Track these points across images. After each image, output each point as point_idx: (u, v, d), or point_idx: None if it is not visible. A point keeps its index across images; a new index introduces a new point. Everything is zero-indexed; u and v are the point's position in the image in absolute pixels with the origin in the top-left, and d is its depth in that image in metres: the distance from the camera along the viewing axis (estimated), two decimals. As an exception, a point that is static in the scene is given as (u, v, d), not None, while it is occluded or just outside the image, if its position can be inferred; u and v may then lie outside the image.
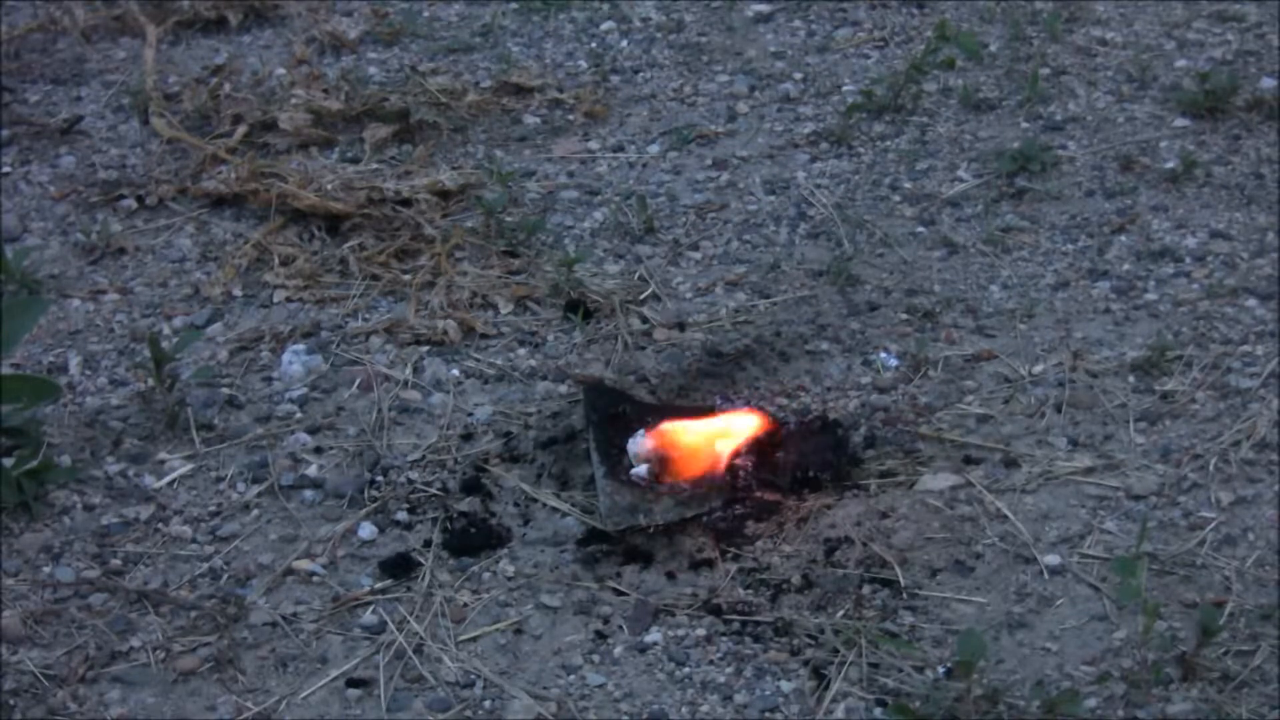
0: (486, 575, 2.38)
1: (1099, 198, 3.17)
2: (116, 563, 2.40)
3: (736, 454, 2.48)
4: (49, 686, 2.20)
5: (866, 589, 2.33)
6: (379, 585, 2.36)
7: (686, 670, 2.22)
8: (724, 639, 2.26)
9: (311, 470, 2.57)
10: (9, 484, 2.46)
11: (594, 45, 3.75)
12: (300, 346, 2.82)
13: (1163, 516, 2.44)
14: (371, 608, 2.33)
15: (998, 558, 2.38)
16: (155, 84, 3.57)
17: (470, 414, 2.68)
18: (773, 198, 3.21)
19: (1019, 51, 3.65)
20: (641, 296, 2.93)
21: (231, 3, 3.88)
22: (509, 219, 3.11)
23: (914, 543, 2.40)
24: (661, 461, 2.45)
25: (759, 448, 2.50)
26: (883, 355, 2.78)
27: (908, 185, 3.23)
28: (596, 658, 2.25)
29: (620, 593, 2.34)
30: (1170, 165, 3.24)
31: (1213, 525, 2.42)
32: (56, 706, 2.17)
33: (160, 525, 2.48)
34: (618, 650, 2.26)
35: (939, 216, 3.13)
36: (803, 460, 2.51)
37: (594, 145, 3.40)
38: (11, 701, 2.18)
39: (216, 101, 3.49)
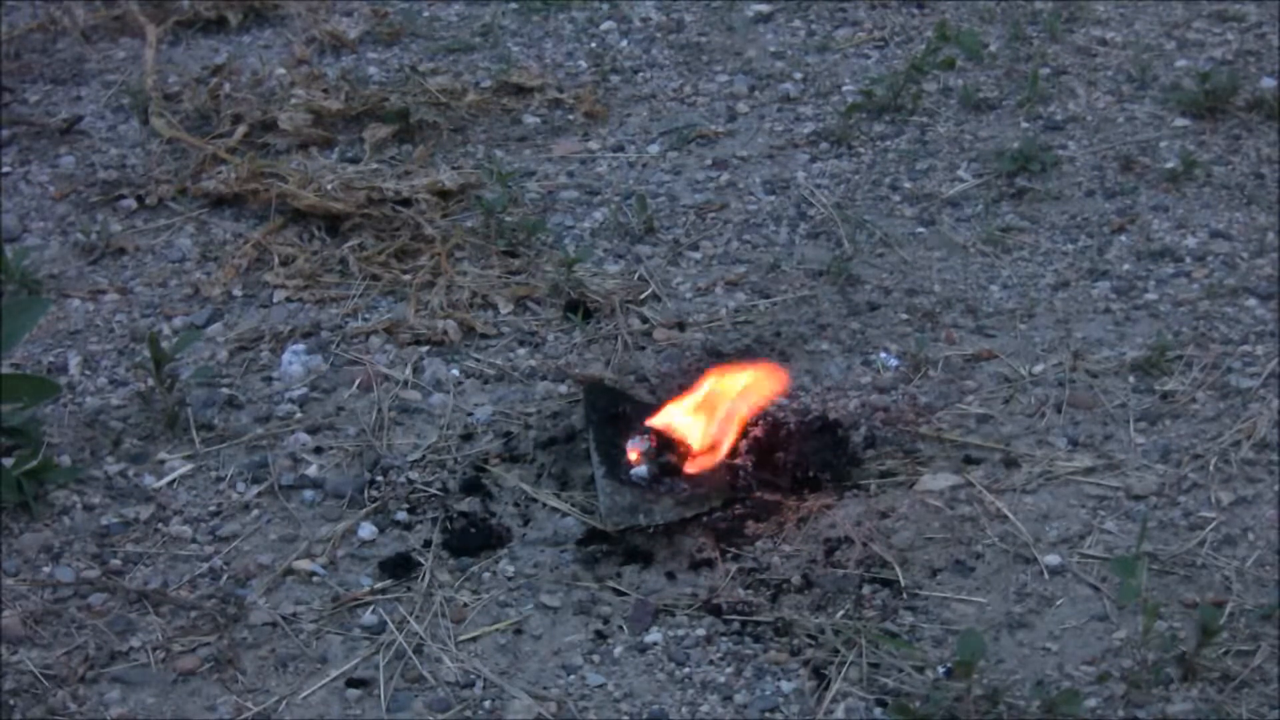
0: (486, 575, 2.38)
1: (1099, 198, 3.17)
2: (116, 563, 2.40)
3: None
4: (49, 686, 2.20)
5: (866, 589, 2.33)
6: (379, 585, 2.36)
7: (686, 670, 2.22)
8: (724, 639, 2.26)
9: (311, 470, 2.56)
10: (9, 484, 2.46)
11: (594, 45, 3.75)
12: (300, 346, 2.82)
13: (1163, 516, 2.44)
14: (371, 608, 2.33)
15: (998, 558, 2.38)
16: (155, 84, 3.57)
17: (470, 414, 2.68)
18: (773, 198, 3.21)
19: (1019, 51, 3.65)
20: (641, 296, 2.93)
21: (231, 3, 3.88)
22: (509, 219, 3.10)
23: (914, 543, 2.40)
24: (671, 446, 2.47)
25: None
26: (883, 355, 2.78)
27: (908, 185, 3.23)
28: (596, 658, 2.25)
29: (620, 593, 2.34)
30: (1170, 165, 3.24)
31: (1213, 525, 2.42)
32: (56, 706, 2.17)
33: (160, 525, 2.48)
34: (618, 650, 2.25)
35: (939, 216, 3.13)
36: (803, 460, 2.51)
37: (594, 145, 3.40)
38: (11, 701, 2.18)
39: (216, 101, 3.49)
